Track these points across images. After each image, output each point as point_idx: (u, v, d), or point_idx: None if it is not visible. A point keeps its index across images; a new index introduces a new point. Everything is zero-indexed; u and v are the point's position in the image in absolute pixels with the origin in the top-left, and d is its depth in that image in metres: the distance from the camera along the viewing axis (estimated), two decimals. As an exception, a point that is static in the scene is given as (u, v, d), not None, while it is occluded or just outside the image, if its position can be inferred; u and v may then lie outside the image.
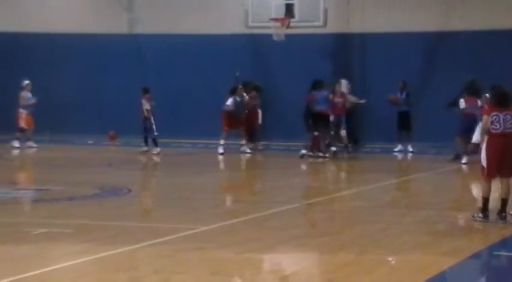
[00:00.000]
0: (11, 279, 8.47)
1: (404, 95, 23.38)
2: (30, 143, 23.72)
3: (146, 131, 22.46)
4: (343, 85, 23.28)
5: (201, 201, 14.73)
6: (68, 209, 13.71)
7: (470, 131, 19.02)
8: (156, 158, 21.96)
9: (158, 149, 22.23)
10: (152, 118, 22.23)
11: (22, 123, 23.46)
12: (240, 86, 22.57)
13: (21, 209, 13.58)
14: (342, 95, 22.60)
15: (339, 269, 9.32)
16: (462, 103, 20.09)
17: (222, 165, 21.81)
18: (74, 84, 26.91)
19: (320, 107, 21.50)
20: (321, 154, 21.72)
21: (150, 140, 22.47)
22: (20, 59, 27.37)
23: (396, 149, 23.40)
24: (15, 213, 13.06)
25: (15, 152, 22.75)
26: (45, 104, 25.95)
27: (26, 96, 23.63)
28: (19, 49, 27.40)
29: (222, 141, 22.35)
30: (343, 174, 20.65)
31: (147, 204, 14.63)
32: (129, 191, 15.96)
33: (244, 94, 22.60)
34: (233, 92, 22.69)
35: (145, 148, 22.57)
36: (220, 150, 22.28)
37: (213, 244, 10.48)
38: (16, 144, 23.34)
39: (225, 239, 10.89)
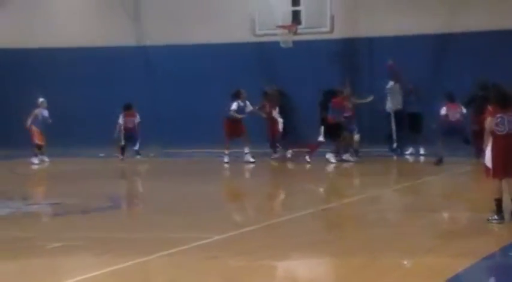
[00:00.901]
0: (26, 293, 8.48)
1: (413, 97, 23.37)
2: (43, 157, 23.78)
3: (130, 142, 23.74)
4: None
5: (213, 209, 14.73)
6: (80, 222, 13.71)
7: (450, 134, 20.87)
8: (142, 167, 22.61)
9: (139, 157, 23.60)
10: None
11: (36, 140, 23.46)
12: (243, 90, 22.40)
13: (35, 223, 13.57)
14: (349, 98, 22.53)
15: (353, 274, 9.29)
16: (443, 110, 21.07)
17: (228, 173, 21.76)
18: (84, 98, 26.97)
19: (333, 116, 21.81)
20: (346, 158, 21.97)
21: (130, 150, 23.68)
22: (29, 75, 27.48)
23: (408, 152, 23.34)
24: (29, 227, 13.05)
25: (34, 167, 22.63)
26: (56, 118, 26.04)
27: (40, 113, 23.66)
28: (29, 65, 27.47)
29: (226, 151, 22.24)
30: (355, 179, 20.59)
31: (159, 215, 14.59)
32: (141, 201, 15.95)
33: (248, 102, 22.41)
34: (237, 96, 22.46)
35: (121, 157, 23.66)
36: (226, 159, 22.16)
37: (227, 253, 10.46)
38: (35, 160, 23.35)
39: (238, 248, 10.87)
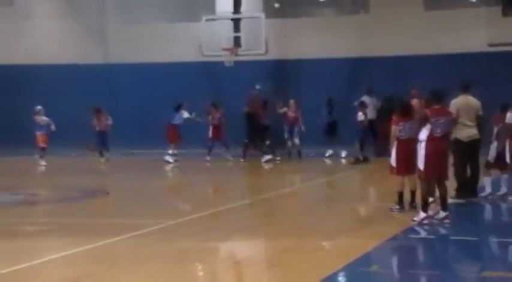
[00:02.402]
0: (8, 270, 8.32)
1: (329, 109, 23.25)
2: (42, 161, 22.16)
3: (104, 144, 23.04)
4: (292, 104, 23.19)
5: (167, 199, 14.64)
6: (55, 210, 13.52)
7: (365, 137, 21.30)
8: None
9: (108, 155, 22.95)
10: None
11: (40, 143, 22.21)
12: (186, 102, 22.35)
13: (15, 210, 13.32)
14: (295, 110, 22.76)
15: (283, 254, 9.30)
16: (361, 116, 21.24)
17: (177, 171, 21.60)
18: (59, 106, 26.52)
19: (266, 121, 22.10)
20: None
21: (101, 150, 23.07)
22: (15, 87, 27.05)
23: (327, 154, 23.30)
24: (8, 214, 12.82)
25: (42, 168, 21.48)
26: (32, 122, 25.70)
27: (40, 119, 22.37)
28: (11, 79, 26.97)
29: (170, 152, 22.19)
30: (285, 175, 20.59)
31: (123, 204, 14.46)
32: (107, 193, 15.78)
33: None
34: (180, 108, 22.45)
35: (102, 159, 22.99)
36: (170, 159, 22.02)
37: (177, 235, 10.40)
38: (42, 162, 21.98)
39: (186, 231, 10.82)
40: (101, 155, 22.96)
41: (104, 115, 22.97)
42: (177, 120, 22.42)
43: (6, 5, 27.74)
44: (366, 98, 22.66)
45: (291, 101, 23.00)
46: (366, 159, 21.10)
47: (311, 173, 19.78)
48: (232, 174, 20.27)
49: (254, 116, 22.61)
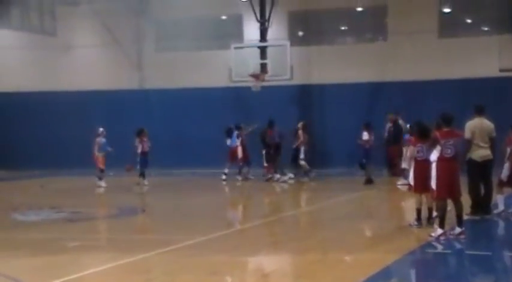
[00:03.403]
0: (52, 282, 8.44)
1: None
2: (102, 183, 21.12)
3: (146, 165, 21.34)
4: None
5: (199, 217, 14.71)
6: (95, 226, 13.66)
7: (369, 158, 20.50)
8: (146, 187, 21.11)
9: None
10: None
11: (100, 165, 21.10)
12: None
13: (59, 227, 13.48)
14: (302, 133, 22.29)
15: (308, 267, 9.34)
16: (365, 135, 20.52)
17: (218, 189, 21.64)
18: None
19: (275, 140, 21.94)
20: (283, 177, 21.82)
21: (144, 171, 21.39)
22: (56, 112, 27.44)
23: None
24: (54, 230, 12.98)
25: (101, 190, 20.51)
26: (76, 145, 26.08)
27: (101, 141, 21.10)
28: (55, 104, 27.36)
29: (226, 170, 22.26)
30: (306, 194, 20.54)
31: (158, 221, 14.57)
32: (143, 211, 15.90)
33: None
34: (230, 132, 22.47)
35: (145, 182, 21.30)
36: (223, 177, 22.08)
37: (209, 251, 10.46)
38: (102, 183, 20.94)
39: (218, 247, 10.88)
40: (144, 176, 21.32)
41: (147, 136, 21.48)
42: (234, 143, 22.37)
43: (51, 36, 28.19)
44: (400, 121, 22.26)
45: (300, 124, 22.54)
46: (369, 181, 20.20)
47: (330, 192, 19.70)
48: (257, 192, 20.25)
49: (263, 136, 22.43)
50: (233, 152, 22.41)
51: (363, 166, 20.89)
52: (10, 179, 24.94)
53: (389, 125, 21.90)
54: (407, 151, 12.97)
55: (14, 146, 27.25)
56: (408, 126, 20.57)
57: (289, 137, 22.28)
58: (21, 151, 27.15)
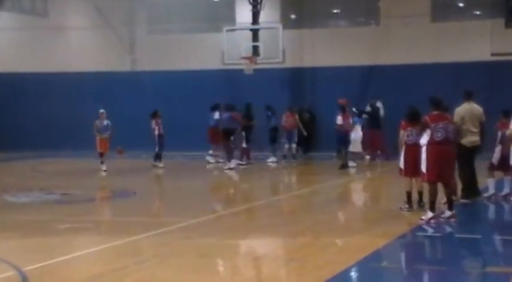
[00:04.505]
0: (43, 264, 8.40)
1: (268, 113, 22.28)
2: (102, 166, 20.22)
3: (162, 148, 20.97)
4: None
5: (190, 199, 14.68)
6: (86, 209, 13.60)
7: (345, 142, 19.89)
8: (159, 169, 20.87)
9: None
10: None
11: (98, 148, 20.21)
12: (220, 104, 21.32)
13: (50, 209, 13.43)
14: (293, 115, 22.34)
15: (299, 250, 9.32)
16: (339, 120, 19.81)
17: (209, 172, 21.58)
18: (90, 112, 26.73)
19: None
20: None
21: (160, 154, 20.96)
22: (45, 92, 27.30)
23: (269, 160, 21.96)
24: (45, 212, 12.92)
25: (103, 174, 19.76)
26: (69, 125, 25.99)
27: (101, 123, 20.19)
28: (51, 86, 27.22)
29: (211, 152, 21.89)
30: (296, 177, 20.48)
31: (149, 203, 14.52)
32: (134, 193, 15.86)
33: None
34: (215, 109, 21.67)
35: (161, 165, 20.91)
36: (209, 159, 21.80)
37: (200, 233, 10.43)
38: (103, 167, 20.06)
39: (208, 229, 10.85)
40: (160, 159, 20.99)
41: (160, 118, 21.01)
42: (212, 121, 21.61)
43: (42, 17, 27.97)
44: (378, 104, 22.56)
45: (289, 110, 22.21)
46: (344, 166, 19.79)
47: (319, 176, 19.69)
48: (252, 176, 20.21)
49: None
50: (213, 131, 21.41)
51: (338, 151, 20.79)
52: (1, 161, 24.82)
53: (368, 108, 22.04)
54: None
55: (5, 128, 27.10)
56: (354, 109, 20.85)
57: (279, 119, 22.23)
58: (12, 132, 27.01)
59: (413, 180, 12.01)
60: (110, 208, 13.75)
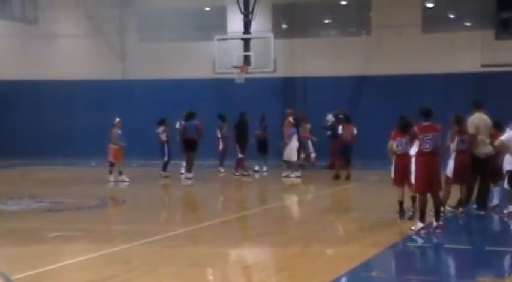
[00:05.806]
0: (31, 272, 8.37)
1: (263, 126, 22.20)
2: (123, 177, 19.46)
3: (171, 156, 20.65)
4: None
5: (180, 208, 14.67)
6: (75, 217, 13.55)
7: (346, 153, 19.57)
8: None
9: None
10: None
11: (110, 158, 19.57)
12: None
13: (39, 217, 13.37)
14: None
15: (289, 259, 9.32)
16: (340, 129, 19.81)
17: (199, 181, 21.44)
18: (81, 119, 26.71)
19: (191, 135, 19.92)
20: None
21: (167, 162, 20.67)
22: (35, 100, 27.24)
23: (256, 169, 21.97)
24: (34, 220, 12.88)
25: (110, 185, 19.16)
26: (58, 134, 25.93)
27: (116, 133, 19.54)
28: (41, 94, 27.15)
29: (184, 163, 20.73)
30: (287, 187, 20.41)
31: (139, 212, 14.48)
32: (124, 201, 15.81)
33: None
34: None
35: (165, 174, 20.64)
36: (182, 170, 20.90)
37: (190, 242, 10.42)
38: (111, 178, 19.47)
39: (199, 238, 10.84)
40: (165, 169, 20.73)
41: (168, 126, 20.72)
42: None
43: (33, 25, 27.93)
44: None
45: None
46: (336, 176, 19.74)
47: (312, 185, 19.70)
48: (242, 185, 20.20)
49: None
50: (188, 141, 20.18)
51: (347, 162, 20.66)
52: (-10, 168, 24.72)
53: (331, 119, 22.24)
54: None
55: (-5, 135, 27.03)
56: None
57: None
58: (1, 140, 26.90)
59: (405, 189, 12.04)
60: (100, 216, 13.70)
